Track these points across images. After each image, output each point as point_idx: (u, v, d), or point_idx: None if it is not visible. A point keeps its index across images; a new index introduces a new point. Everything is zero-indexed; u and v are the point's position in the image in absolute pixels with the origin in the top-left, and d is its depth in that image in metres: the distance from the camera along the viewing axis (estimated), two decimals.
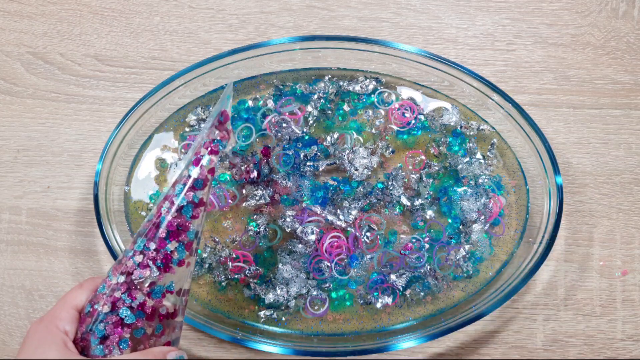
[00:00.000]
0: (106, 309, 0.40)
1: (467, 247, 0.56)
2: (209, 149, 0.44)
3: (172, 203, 0.43)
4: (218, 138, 0.45)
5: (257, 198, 0.56)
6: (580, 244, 0.59)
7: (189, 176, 0.44)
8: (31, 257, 0.59)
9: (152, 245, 0.41)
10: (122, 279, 0.41)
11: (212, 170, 0.44)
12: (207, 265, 0.56)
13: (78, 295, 0.41)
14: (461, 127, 0.59)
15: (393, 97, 0.60)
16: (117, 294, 0.40)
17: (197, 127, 0.59)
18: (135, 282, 0.41)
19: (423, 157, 0.58)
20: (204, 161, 0.44)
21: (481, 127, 0.59)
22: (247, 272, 0.55)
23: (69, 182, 0.60)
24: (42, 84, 0.62)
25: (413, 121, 0.59)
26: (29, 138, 0.61)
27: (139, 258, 0.41)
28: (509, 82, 0.62)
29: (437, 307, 0.56)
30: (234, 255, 0.56)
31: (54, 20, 0.64)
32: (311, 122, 0.59)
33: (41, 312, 0.58)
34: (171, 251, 0.42)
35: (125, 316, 0.40)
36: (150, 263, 0.41)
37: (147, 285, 0.41)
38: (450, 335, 0.57)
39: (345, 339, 0.55)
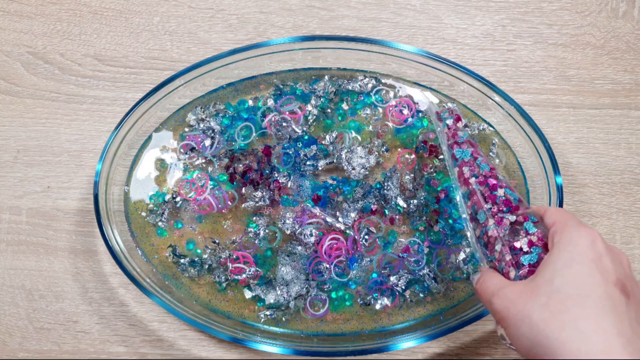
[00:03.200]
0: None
1: (467, 250, 0.56)
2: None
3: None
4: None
5: (256, 200, 0.56)
6: None
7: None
8: (31, 257, 0.59)
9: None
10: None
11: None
12: (207, 266, 0.56)
13: None
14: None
15: (391, 95, 0.60)
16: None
17: (196, 127, 0.59)
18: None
19: (413, 156, 0.58)
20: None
21: (482, 127, 0.59)
22: (247, 273, 0.55)
23: (69, 182, 0.60)
24: (42, 84, 0.62)
25: (410, 119, 0.59)
26: (29, 138, 0.61)
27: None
28: (508, 82, 0.62)
29: (437, 307, 0.56)
30: (234, 256, 0.56)
31: (53, 20, 0.64)
32: (311, 121, 0.59)
33: (41, 312, 0.58)
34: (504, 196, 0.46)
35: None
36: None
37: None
38: (450, 335, 0.57)
39: (345, 339, 0.55)
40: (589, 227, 0.41)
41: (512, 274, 0.42)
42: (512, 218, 0.44)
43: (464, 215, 0.49)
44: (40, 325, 0.57)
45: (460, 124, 0.54)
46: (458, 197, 0.50)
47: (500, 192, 0.46)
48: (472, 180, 0.48)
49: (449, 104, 0.57)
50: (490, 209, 0.46)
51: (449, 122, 0.53)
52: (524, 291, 0.39)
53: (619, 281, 0.38)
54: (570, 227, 0.40)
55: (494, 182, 0.47)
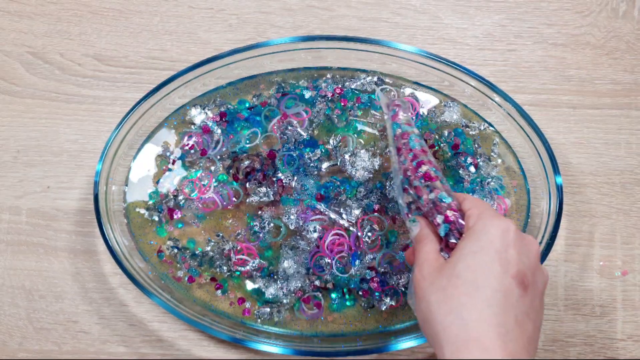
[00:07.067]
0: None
1: None
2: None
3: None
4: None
5: (260, 195, 0.56)
6: (580, 244, 0.59)
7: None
8: (31, 257, 0.59)
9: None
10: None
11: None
12: (208, 258, 0.56)
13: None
14: (463, 125, 0.59)
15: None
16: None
17: (198, 125, 0.59)
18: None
19: None
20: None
21: (482, 127, 0.59)
22: (250, 265, 0.55)
23: (69, 182, 0.60)
24: (42, 84, 0.62)
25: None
26: (29, 138, 0.61)
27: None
28: (508, 82, 0.62)
29: None
30: (238, 248, 0.56)
31: (53, 20, 0.64)
32: (316, 124, 0.59)
33: (41, 312, 0.58)
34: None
35: None
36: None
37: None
38: None
39: (346, 339, 0.55)
40: (504, 218, 0.41)
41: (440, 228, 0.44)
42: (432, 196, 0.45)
43: (397, 181, 0.49)
44: (40, 325, 0.57)
45: (404, 114, 0.53)
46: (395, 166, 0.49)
47: (424, 168, 0.46)
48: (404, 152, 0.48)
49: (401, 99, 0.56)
50: (409, 178, 0.46)
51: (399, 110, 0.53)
52: (435, 269, 0.40)
53: (519, 273, 0.38)
54: (485, 216, 0.41)
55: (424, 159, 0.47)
